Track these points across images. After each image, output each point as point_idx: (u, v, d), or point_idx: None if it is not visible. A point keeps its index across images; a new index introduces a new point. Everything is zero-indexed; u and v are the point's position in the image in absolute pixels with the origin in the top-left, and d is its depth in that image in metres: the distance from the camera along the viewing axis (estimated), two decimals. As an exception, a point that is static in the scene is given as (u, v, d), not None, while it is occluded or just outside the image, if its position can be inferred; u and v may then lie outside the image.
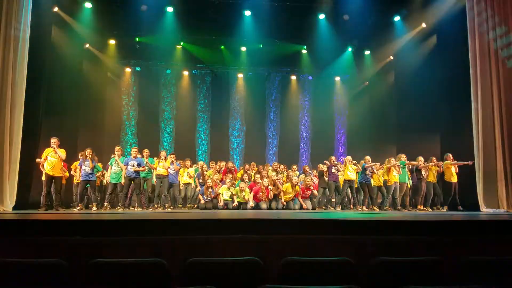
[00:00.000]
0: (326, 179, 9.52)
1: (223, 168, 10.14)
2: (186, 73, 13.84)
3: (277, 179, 9.53)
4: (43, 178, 8.12)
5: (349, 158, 9.45)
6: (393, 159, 9.13)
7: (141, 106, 13.47)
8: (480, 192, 7.87)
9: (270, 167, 10.43)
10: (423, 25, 10.69)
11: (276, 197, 9.30)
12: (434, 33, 10.52)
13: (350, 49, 12.75)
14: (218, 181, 9.56)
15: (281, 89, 14.35)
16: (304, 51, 12.99)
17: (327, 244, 3.67)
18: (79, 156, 8.79)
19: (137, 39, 11.90)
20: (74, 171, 9.04)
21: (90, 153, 8.43)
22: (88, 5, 10.17)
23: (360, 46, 12.64)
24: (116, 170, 8.52)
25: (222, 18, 10.66)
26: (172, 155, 9.26)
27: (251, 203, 9.06)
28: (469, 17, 8.26)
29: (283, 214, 6.42)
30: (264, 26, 10.92)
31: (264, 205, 9.11)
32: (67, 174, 8.84)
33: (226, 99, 14.07)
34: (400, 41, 11.51)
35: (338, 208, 9.26)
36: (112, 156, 8.87)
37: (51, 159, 7.88)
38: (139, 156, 8.83)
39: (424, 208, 8.87)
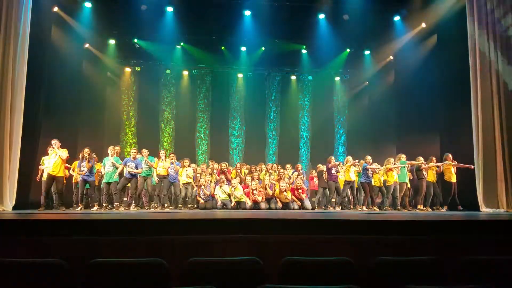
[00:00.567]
0: (326, 179, 9.52)
1: (216, 170, 10.15)
2: (186, 73, 13.84)
3: (268, 184, 9.50)
4: (43, 178, 8.11)
5: (350, 158, 9.43)
6: (392, 159, 9.13)
7: (141, 106, 13.47)
8: (479, 192, 7.87)
9: (264, 168, 10.44)
10: (423, 25, 10.69)
11: (272, 197, 9.31)
12: (434, 33, 10.51)
13: (349, 49, 12.74)
14: (210, 182, 9.58)
15: (281, 89, 14.35)
16: (304, 51, 12.99)
17: (327, 244, 3.67)
18: (80, 157, 8.79)
19: (135, 40, 11.90)
20: (73, 171, 9.04)
21: (88, 153, 8.40)
22: (88, 4, 10.17)
23: (360, 46, 12.64)
24: (109, 170, 8.47)
25: (222, 18, 10.66)
26: (172, 155, 9.26)
27: (250, 203, 9.06)
28: (469, 17, 8.27)
29: (282, 214, 6.42)
30: (264, 26, 10.92)
31: (263, 205, 9.11)
32: (67, 172, 8.81)
33: (226, 99, 14.07)
34: (400, 41, 11.51)
35: (338, 208, 9.26)
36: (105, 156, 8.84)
37: (53, 160, 7.86)
38: (138, 156, 8.81)
39: (424, 208, 8.87)
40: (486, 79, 7.95)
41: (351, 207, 9.49)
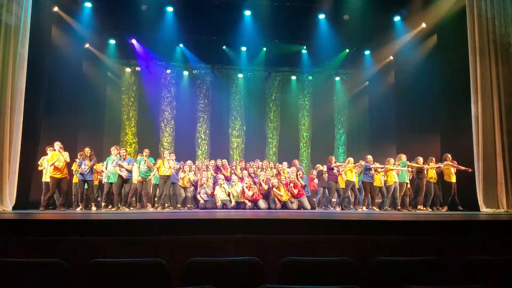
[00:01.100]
0: (326, 179, 9.52)
1: (211, 166, 10.12)
2: (186, 73, 13.85)
3: (264, 180, 9.45)
4: (46, 179, 8.09)
5: (351, 160, 9.42)
6: (392, 159, 9.12)
7: (141, 106, 13.47)
8: (479, 192, 7.86)
9: (260, 164, 10.43)
10: (423, 25, 10.68)
11: (270, 196, 9.27)
12: (434, 33, 10.50)
13: (349, 49, 12.73)
14: (209, 178, 9.57)
15: (281, 89, 14.36)
16: (304, 51, 12.98)
17: (327, 244, 3.67)
18: (78, 156, 8.79)
19: (135, 40, 11.90)
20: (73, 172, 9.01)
21: (89, 152, 8.40)
22: (88, 4, 10.16)
23: (360, 46, 12.64)
24: (112, 170, 8.47)
25: (222, 18, 10.65)
26: (172, 154, 9.26)
27: (249, 204, 9.03)
28: (469, 17, 8.26)
29: (282, 214, 6.42)
30: (264, 26, 10.91)
31: (262, 205, 9.09)
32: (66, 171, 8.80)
33: (226, 99, 14.08)
34: (400, 41, 11.50)
35: (338, 209, 9.25)
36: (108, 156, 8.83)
37: (58, 163, 7.87)
38: (139, 156, 8.84)
39: (424, 208, 8.86)
40: (486, 79, 7.94)
41: (351, 207, 9.48)
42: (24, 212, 6.85)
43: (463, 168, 8.52)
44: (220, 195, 9.20)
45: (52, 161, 7.84)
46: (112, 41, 12.01)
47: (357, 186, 9.49)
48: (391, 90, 12.64)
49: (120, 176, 8.38)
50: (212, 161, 10.46)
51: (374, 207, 9.08)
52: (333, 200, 9.84)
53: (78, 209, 8.39)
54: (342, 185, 9.55)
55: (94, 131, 11.76)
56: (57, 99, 9.43)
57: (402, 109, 11.79)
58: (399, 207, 8.86)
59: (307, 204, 9.18)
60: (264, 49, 12.56)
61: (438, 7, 9.65)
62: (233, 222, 4.30)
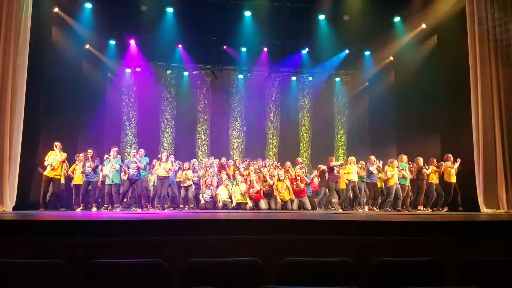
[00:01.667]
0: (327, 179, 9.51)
1: (215, 165, 10.12)
2: (186, 73, 13.85)
3: (268, 174, 9.42)
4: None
5: (353, 159, 9.40)
6: (395, 161, 9.06)
7: (141, 107, 13.48)
8: (480, 193, 7.85)
9: (261, 163, 10.43)
10: (423, 25, 10.69)
11: (272, 195, 9.26)
12: (434, 34, 10.51)
13: (349, 50, 12.73)
14: (213, 176, 9.56)
15: (281, 89, 14.37)
16: (304, 52, 12.99)
17: (327, 244, 3.68)
18: (75, 158, 8.78)
19: (135, 40, 11.91)
20: (72, 173, 9.00)
21: (91, 153, 8.41)
22: (88, 5, 10.17)
23: (360, 46, 12.64)
24: (112, 171, 8.47)
25: (222, 19, 10.66)
26: (171, 156, 9.28)
27: (250, 204, 9.02)
28: (469, 17, 8.26)
29: (283, 215, 6.42)
30: (264, 27, 10.92)
31: (263, 205, 9.08)
32: (64, 172, 8.80)
33: (226, 99, 14.08)
34: (400, 42, 11.51)
35: (340, 209, 9.24)
36: (107, 156, 8.81)
37: (54, 163, 7.89)
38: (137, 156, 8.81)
39: (424, 209, 8.87)
40: (486, 79, 7.94)
41: (351, 207, 9.47)
42: (24, 213, 6.85)
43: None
44: (222, 195, 9.15)
45: (49, 160, 7.87)
46: (112, 42, 12.02)
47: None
48: (391, 91, 12.65)
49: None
50: (216, 160, 10.42)
51: (374, 208, 9.08)
52: (333, 200, 9.82)
53: (79, 209, 8.38)
54: (342, 185, 9.55)
55: (94, 131, 11.75)
56: (57, 99, 9.43)
57: (402, 109, 11.79)
58: (399, 208, 8.86)
59: (308, 205, 9.16)
60: (265, 49, 12.56)
61: (438, 7, 9.66)
62: (233, 223, 4.30)
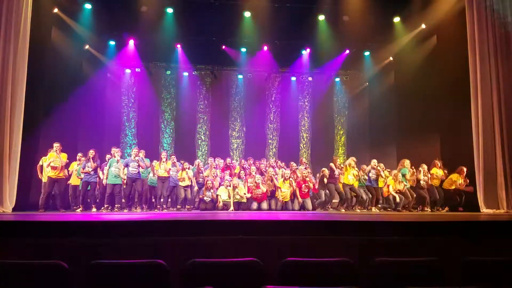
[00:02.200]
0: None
1: (221, 166, 10.13)
2: (186, 74, 13.85)
3: (274, 174, 9.43)
4: (44, 180, 8.12)
5: (351, 162, 9.35)
6: (399, 173, 9.08)
7: (141, 107, 13.47)
8: (480, 193, 7.85)
9: (266, 163, 10.43)
10: (423, 26, 10.70)
11: (274, 195, 9.26)
12: (434, 34, 10.52)
13: (349, 50, 12.74)
14: (216, 176, 9.53)
15: (281, 90, 14.35)
16: (304, 52, 12.99)
17: (327, 244, 3.68)
18: (77, 158, 8.80)
19: (135, 41, 11.91)
20: (70, 173, 9.00)
21: (93, 154, 8.42)
22: (88, 6, 10.17)
23: (359, 46, 12.65)
24: (116, 171, 8.49)
25: (222, 19, 10.66)
26: (172, 156, 9.28)
27: (254, 205, 9.00)
28: (468, 17, 8.26)
29: (283, 215, 6.42)
30: (264, 27, 10.92)
31: (265, 205, 9.08)
32: (66, 173, 8.79)
33: (226, 100, 14.08)
34: (400, 42, 11.52)
35: (342, 209, 9.23)
36: (109, 156, 8.81)
37: (55, 165, 7.91)
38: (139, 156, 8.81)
39: (426, 209, 8.89)
40: (486, 79, 7.94)
41: (351, 208, 9.46)
42: (23, 213, 6.85)
43: (465, 188, 8.60)
44: (222, 195, 9.15)
45: (49, 161, 7.88)
46: (112, 42, 12.02)
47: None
48: (391, 91, 12.66)
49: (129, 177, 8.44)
50: (222, 160, 10.39)
51: (374, 208, 9.09)
52: (334, 201, 9.81)
53: (79, 210, 8.38)
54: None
55: (94, 132, 11.76)
56: (57, 100, 9.44)
57: (402, 110, 11.80)
58: (399, 208, 8.87)
59: (309, 205, 9.16)
60: (264, 50, 12.57)
61: (438, 7, 9.66)
62: (234, 223, 4.31)
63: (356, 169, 9.24)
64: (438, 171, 8.99)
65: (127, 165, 8.52)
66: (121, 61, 12.79)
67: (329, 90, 14.50)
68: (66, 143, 8.63)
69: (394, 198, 8.83)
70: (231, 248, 3.61)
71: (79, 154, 8.87)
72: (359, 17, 10.37)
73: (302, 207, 9.18)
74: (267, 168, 10.02)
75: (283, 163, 10.53)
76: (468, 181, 8.59)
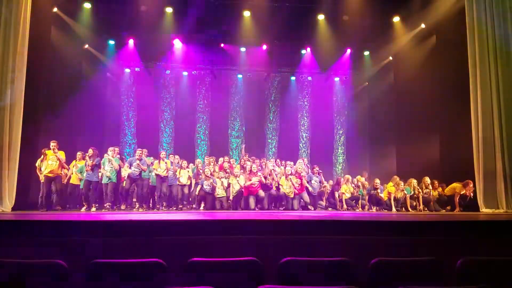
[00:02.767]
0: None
1: (220, 163, 10.12)
2: (185, 73, 13.85)
3: (273, 168, 9.40)
4: (42, 179, 8.11)
5: (349, 178, 9.55)
6: (399, 181, 9.13)
7: (140, 107, 13.46)
8: (479, 193, 7.86)
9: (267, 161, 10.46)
10: (423, 25, 10.70)
11: (270, 189, 9.21)
12: (433, 34, 10.52)
13: (349, 50, 12.75)
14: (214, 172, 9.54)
15: (280, 89, 14.36)
16: (303, 52, 13.00)
17: (326, 244, 3.68)
18: (77, 156, 8.79)
19: (134, 40, 11.91)
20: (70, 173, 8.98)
21: (91, 152, 8.39)
22: (87, 5, 10.17)
23: (359, 46, 12.66)
24: (110, 170, 8.48)
25: (221, 19, 10.66)
26: (171, 156, 9.29)
27: (252, 203, 8.93)
28: (468, 17, 8.27)
29: (282, 215, 6.43)
30: (263, 27, 10.93)
31: (262, 193, 9.03)
32: (66, 171, 8.78)
33: (226, 99, 14.08)
34: (399, 42, 11.52)
35: (344, 205, 9.27)
36: (106, 155, 8.78)
37: (51, 163, 7.90)
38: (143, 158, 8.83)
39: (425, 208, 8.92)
40: (486, 79, 7.94)
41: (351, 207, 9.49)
42: (23, 213, 6.84)
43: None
44: (219, 192, 9.13)
45: (46, 161, 7.87)
46: (112, 42, 12.01)
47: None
48: (391, 91, 12.67)
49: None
50: (221, 159, 10.37)
51: (373, 208, 9.14)
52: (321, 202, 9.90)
53: (83, 209, 8.33)
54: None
55: (93, 131, 11.75)
56: (57, 99, 9.44)
57: (402, 109, 11.81)
58: (398, 208, 8.90)
59: (306, 198, 9.15)
60: (264, 49, 12.57)
61: (438, 7, 9.66)
62: (233, 223, 4.31)
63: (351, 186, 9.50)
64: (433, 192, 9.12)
65: (130, 165, 8.53)
66: (120, 61, 12.78)
67: (328, 89, 14.51)
68: (66, 142, 8.64)
69: (390, 205, 8.90)
70: (230, 248, 3.61)
71: (79, 153, 8.85)
72: (358, 17, 10.37)
73: (304, 204, 9.18)
74: (263, 164, 9.97)
75: (283, 162, 10.52)
76: (472, 195, 8.48)
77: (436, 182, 9.11)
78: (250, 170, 9.15)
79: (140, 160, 8.65)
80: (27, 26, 7.52)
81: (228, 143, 13.90)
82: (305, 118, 14.38)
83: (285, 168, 9.67)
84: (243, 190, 9.04)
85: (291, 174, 9.28)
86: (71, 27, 10.24)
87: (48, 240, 3.59)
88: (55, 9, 9.62)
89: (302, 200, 9.16)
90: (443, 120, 9.98)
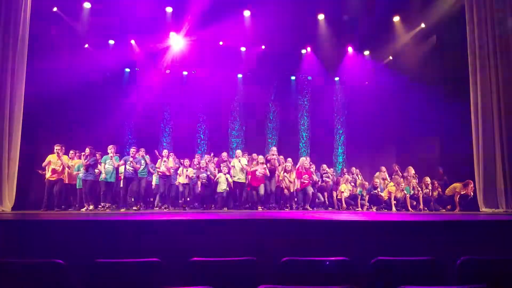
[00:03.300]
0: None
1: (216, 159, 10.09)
2: (185, 73, 13.84)
3: (274, 157, 9.35)
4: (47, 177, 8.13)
5: (348, 178, 9.54)
6: (401, 181, 9.16)
7: (140, 107, 13.44)
8: (479, 193, 7.86)
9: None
10: (423, 25, 10.70)
11: (273, 177, 9.14)
12: (433, 33, 10.52)
13: (349, 49, 12.74)
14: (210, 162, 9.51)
15: (280, 89, 14.34)
16: (303, 51, 12.99)
17: (325, 244, 3.68)
18: (69, 155, 8.78)
19: (134, 40, 11.90)
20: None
21: (88, 151, 8.35)
22: (87, 5, 10.17)
23: (359, 46, 12.65)
24: (110, 169, 8.48)
25: (221, 18, 10.65)
26: (171, 154, 9.28)
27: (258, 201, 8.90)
28: (468, 16, 8.26)
29: (281, 215, 6.43)
30: (263, 27, 10.93)
31: (261, 190, 8.97)
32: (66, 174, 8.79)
33: (226, 99, 14.06)
34: (399, 41, 11.52)
35: (343, 204, 9.28)
36: (105, 155, 8.78)
37: (56, 168, 7.91)
38: (137, 156, 8.78)
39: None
40: (486, 79, 7.94)
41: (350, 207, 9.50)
42: (23, 213, 6.85)
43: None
44: (222, 184, 9.07)
45: (50, 165, 7.88)
46: (111, 42, 12.00)
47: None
48: (391, 90, 12.65)
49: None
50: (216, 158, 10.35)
51: (373, 208, 9.14)
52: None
53: (84, 209, 8.30)
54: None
55: (93, 131, 11.73)
56: (56, 99, 9.43)
57: (402, 110, 11.81)
58: (398, 208, 8.91)
59: (310, 189, 9.13)
60: (264, 48, 12.55)
61: (438, 7, 9.67)
62: (233, 223, 4.31)
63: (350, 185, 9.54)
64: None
65: (125, 163, 8.50)
66: (120, 61, 12.75)
67: (328, 89, 14.49)
68: (65, 143, 8.61)
69: (390, 205, 8.91)
70: (230, 248, 3.61)
71: (71, 152, 8.77)
72: (359, 16, 10.38)
73: (305, 194, 9.11)
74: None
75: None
76: (472, 194, 8.49)
77: (436, 182, 9.14)
78: (256, 160, 9.06)
79: (134, 158, 8.57)
80: (27, 26, 7.52)
81: (228, 142, 13.89)
82: (305, 118, 14.36)
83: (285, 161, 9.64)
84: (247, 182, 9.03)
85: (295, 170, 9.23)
86: (71, 26, 10.24)
87: (48, 239, 3.58)
88: (55, 9, 9.62)
89: (306, 196, 9.09)
90: (443, 120, 9.99)
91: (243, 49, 12.73)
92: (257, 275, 2.46)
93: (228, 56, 12.84)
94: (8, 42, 7.28)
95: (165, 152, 9.16)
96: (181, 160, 9.57)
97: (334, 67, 13.58)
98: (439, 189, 9.11)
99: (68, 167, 8.39)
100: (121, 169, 8.83)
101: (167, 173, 8.92)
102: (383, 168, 9.86)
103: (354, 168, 10.17)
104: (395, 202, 8.94)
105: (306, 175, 9.14)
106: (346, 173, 10.05)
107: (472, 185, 8.44)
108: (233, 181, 9.16)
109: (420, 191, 8.97)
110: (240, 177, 9.15)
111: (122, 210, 8.34)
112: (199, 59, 13.02)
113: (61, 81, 9.70)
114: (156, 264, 2.44)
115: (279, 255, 2.66)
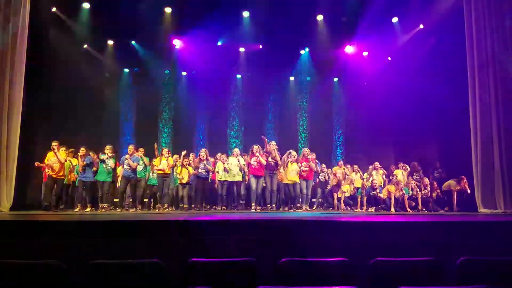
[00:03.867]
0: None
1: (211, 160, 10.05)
2: (184, 73, 13.83)
3: (275, 149, 9.18)
4: (45, 180, 8.09)
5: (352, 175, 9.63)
6: (399, 179, 9.17)
7: (139, 107, 13.44)
8: (478, 193, 7.88)
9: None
10: (421, 26, 10.72)
11: (274, 172, 9.01)
12: (432, 34, 10.54)
13: (347, 50, 12.75)
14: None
15: (279, 89, 14.34)
16: (302, 52, 12.99)
17: (325, 244, 3.68)
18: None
19: (133, 41, 11.90)
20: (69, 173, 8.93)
21: (83, 151, 8.30)
22: (86, 5, 10.15)
23: (358, 46, 12.65)
24: (107, 169, 8.45)
25: (220, 19, 10.66)
26: (167, 151, 9.21)
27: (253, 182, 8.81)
28: (467, 17, 8.28)
29: (280, 215, 6.43)
30: (262, 27, 10.93)
31: (260, 183, 8.89)
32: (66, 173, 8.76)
33: (225, 99, 14.06)
34: (398, 42, 11.53)
35: (342, 204, 9.28)
36: (101, 154, 8.75)
37: (55, 164, 7.88)
38: (135, 154, 8.75)
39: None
40: (485, 80, 7.96)
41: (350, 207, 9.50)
42: (22, 213, 6.83)
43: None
44: (220, 172, 9.03)
45: (48, 162, 7.86)
46: (111, 42, 11.99)
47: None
48: (390, 91, 12.66)
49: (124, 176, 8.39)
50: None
51: (372, 209, 9.15)
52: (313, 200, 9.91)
53: (86, 210, 8.28)
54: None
55: (92, 132, 11.72)
56: (55, 99, 9.43)
57: (400, 110, 11.82)
58: (398, 208, 8.91)
59: (304, 188, 9.06)
60: (262, 49, 12.55)
61: (437, 7, 9.68)
62: (232, 223, 4.30)
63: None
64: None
65: (122, 163, 8.48)
66: (119, 61, 12.74)
67: (327, 89, 14.49)
68: (64, 142, 8.59)
69: (389, 205, 8.92)
70: (230, 248, 3.60)
71: (62, 150, 8.71)
72: (357, 16, 10.39)
73: (295, 190, 8.94)
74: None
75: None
76: (469, 190, 8.48)
77: (435, 182, 9.15)
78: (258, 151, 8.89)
79: (131, 156, 8.51)
80: (26, 26, 7.51)
81: (227, 143, 13.89)
82: (304, 118, 14.37)
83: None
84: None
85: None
86: (70, 27, 10.22)
87: (47, 240, 3.58)
88: (54, 9, 9.61)
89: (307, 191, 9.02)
90: (442, 121, 10.00)
91: (242, 49, 12.71)
92: (257, 275, 2.46)
93: (227, 57, 12.83)
94: (8, 42, 7.27)
95: (165, 150, 9.06)
96: (180, 160, 9.51)
97: (333, 67, 13.59)
98: (438, 191, 9.14)
99: (66, 161, 8.32)
100: (120, 169, 8.84)
101: (167, 171, 8.80)
102: (377, 164, 9.80)
103: (356, 166, 10.14)
104: (394, 202, 8.93)
105: (305, 162, 9.06)
106: (348, 174, 9.96)
107: (465, 180, 8.51)
108: (228, 181, 9.06)
109: (419, 192, 8.99)
110: (236, 176, 9.10)
111: (118, 210, 8.31)
112: (199, 59, 13.02)
113: (60, 81, 9.70)
114: (155, 264, 2.43)
115: (279, 256, 2.66)
